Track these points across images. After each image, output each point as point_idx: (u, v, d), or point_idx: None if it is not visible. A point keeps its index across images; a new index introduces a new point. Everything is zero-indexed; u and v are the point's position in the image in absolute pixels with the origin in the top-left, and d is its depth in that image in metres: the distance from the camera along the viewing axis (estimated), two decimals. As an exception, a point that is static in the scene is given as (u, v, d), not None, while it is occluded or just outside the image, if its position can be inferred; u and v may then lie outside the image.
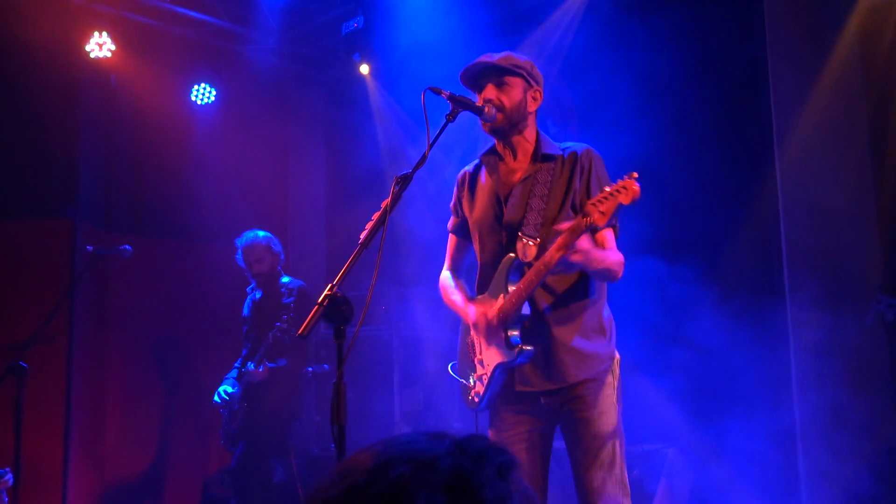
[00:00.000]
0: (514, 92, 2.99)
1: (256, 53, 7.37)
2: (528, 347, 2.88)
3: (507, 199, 3.01)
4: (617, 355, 3.01)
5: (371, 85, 7.23)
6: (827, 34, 5.07)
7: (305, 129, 7.86)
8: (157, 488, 6.55)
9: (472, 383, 3.05)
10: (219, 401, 5.47)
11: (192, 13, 6.72)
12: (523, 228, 2.92)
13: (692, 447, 4.85)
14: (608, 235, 2.91)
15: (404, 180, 2.59)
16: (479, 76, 3.03)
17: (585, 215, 2.59)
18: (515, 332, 2.89)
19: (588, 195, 2.90)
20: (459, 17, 6.35)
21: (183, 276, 6.69)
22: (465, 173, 3.23)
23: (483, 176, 3.15)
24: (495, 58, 3.00)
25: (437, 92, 2.78)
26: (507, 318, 2.89)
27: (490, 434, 3.05)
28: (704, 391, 4.79)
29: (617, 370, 2.98)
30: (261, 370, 5.27)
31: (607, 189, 2.57)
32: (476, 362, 3.05)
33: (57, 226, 6.06)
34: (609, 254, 2.84)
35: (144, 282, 6.42)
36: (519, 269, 2.91)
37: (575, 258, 2.66)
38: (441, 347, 6.06)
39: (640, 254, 4.54)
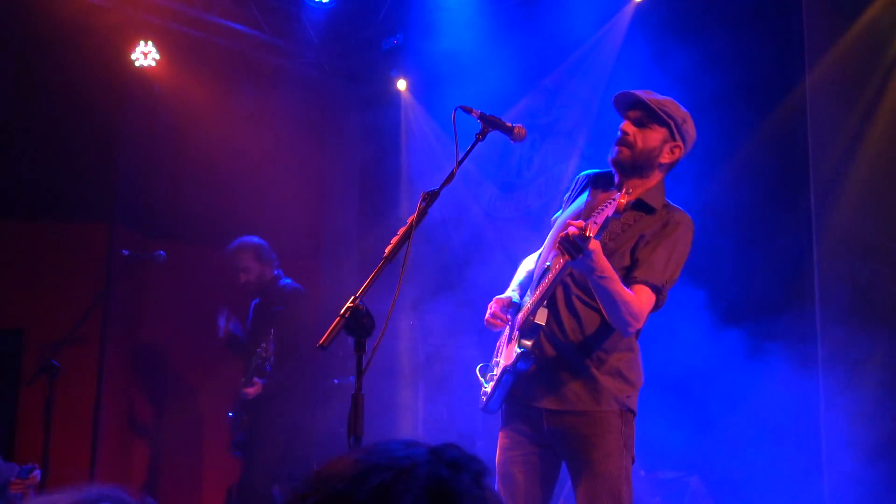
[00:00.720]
0: (652, 137, 2.90)
1: (297, 67, 7.49)
2: (527, 356, 2.85)
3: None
4: (632, 409, 2.90)
5: (407, 101, 7.30)
6: (867, 64, 5.03)
7: (342, 143, 7.95)
8: (182, 491, 6.62)
9: (487, 383, 3.09)
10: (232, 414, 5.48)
11: (236, 26, 6.86)
12: None
13: (715, 475, 4.80)
14: (643, 290, 2.79)
15: (431, 197, 2.61)
16: (629, 106, 2.96)
17: (581, 227, 2.52)
18: (528, 342, 2.87)
19: (655, 251, 2.83)
20: (499, 37, 6.39)
21: (216, 283, 6.77)
22: (584, 177, 3.17)
23: (588, 190, 3.09)
24: (651, 96, 2.93)
25: (468, 111, 2.78)
26: (523, 325, 2.89)
27: (498, 448, 3.03)
28: (729, 419, 4.74)
29: (631, 420, 2.89)
30: (251, 388, 5.19)
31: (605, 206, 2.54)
32: (494, 364, 3.09)
33: (94, 229, 6.19)
34: (627, 292, 2.72)
35: (178, 287, 6.51)
36: (545, 276, 2.89)
37: (578, 262, 2.58)
38: (467, 364, 6.06)
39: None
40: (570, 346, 2.89)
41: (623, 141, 2.92)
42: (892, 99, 4.86)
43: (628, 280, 2.80)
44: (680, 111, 2.96)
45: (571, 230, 2.53)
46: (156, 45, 6.42)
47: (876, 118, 4.87)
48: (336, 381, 6.29)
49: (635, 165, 2.92)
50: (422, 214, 2.59)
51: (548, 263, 2.90)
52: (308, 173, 7.65)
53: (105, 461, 6.03)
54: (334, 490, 0.92)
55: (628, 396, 2.90)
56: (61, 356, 4.83)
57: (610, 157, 2.96)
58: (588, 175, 3.16)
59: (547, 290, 2.82)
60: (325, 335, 2.28)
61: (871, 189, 4.85)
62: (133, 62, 6.38)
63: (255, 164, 6.94)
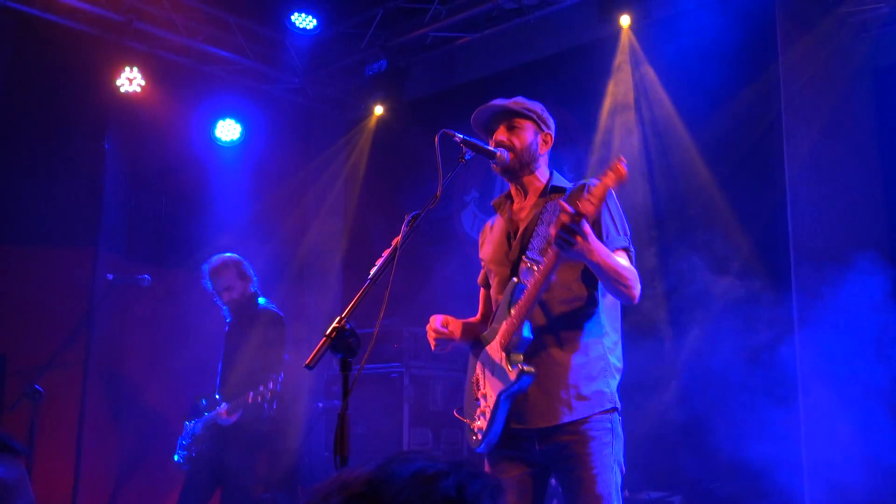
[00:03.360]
0: (525, 134, 3.05)
1: (281, 92, 7.55)
2: (529, 369, 2.80)
3: (515, 235, 3.03)
4: (618, 405, 2.91)
5: (391, 125, 7.35)
6: (840, 84, 5.17)
7: (326, 167, 8.00)
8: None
9: (476, 420, 2.98)
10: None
11: (221, 52, 6.91)
12: (528, 253, 2.91)
13: (698, 495, 4.83)
14: (622, 255, 2.85)
15: (415, 219, 2.66)
16: (490, 119, 3.10)
17: (574, 209, 2.55)
18: (518, 357, 2.84)
19: (600, 224, 2.88)
20: (481, 65, 6.48)
21: (201, 307, 6.76)
22: (485, 225, 3.29)
23: (496, 220, 3.20)
24: (507, 101, 3.08)
25: (451, 135, 2.83)
26: (509, 343, 2.85)
27: (487, 471, 3.02)
28: (712, 438, 4.78)
29: (619, 429, 2.89)
30: (228, 415, 4.83)
31: (596, 180, 2.58)
32: (480, 397, 2.99)
33: (79, 253, 6.19)
34: (622, 263, 2.78)
35: (163, 311, 6.50)
36: (521, 291, 2.87)
37: (577, 247, 2.60)
38: (451, 388, 6.10)
39: (652, 294, 4.58)
40: (559, 355, 2.88)
41: (502, 146, 3.03)
42: (852, 109, 5.03)
43: None
44: (535, 104, 3.11)
45: (564, 217, 2.56)
46: (141, 71, 6.46)
47: (837, 129, 5.06)
48: (320, 405, 6.29)
49: (522, 164, 3.05)
50: (406, 237, 2.63)
51: (514, 279, 2.91)
52: (292, 198, 7.69)
53: (88, 486, 5.98)
54: (353, 493, 0.97)
55: (613, 392, 2.91)
56: (45, 381, 4.81)
57: (498, 169, 3.06)
58: (488, 221, 3.27)
59: (533, 299, 2.80)
60: (312, 355, 2.29)
61: (844, 200, 4.98)
62: (118, 88, 6.41)
63: (240, 189, 6.97)
